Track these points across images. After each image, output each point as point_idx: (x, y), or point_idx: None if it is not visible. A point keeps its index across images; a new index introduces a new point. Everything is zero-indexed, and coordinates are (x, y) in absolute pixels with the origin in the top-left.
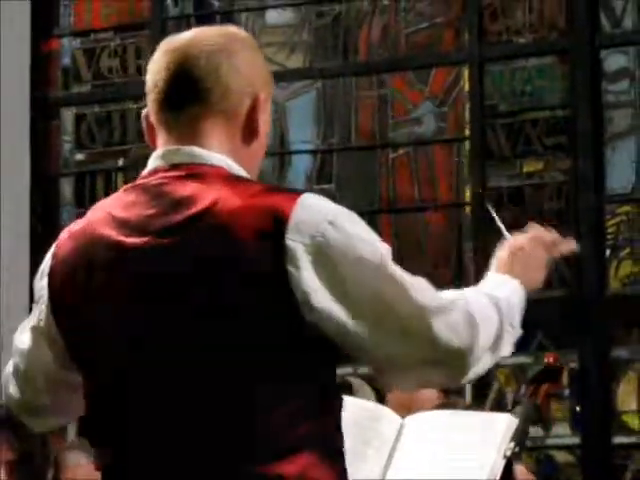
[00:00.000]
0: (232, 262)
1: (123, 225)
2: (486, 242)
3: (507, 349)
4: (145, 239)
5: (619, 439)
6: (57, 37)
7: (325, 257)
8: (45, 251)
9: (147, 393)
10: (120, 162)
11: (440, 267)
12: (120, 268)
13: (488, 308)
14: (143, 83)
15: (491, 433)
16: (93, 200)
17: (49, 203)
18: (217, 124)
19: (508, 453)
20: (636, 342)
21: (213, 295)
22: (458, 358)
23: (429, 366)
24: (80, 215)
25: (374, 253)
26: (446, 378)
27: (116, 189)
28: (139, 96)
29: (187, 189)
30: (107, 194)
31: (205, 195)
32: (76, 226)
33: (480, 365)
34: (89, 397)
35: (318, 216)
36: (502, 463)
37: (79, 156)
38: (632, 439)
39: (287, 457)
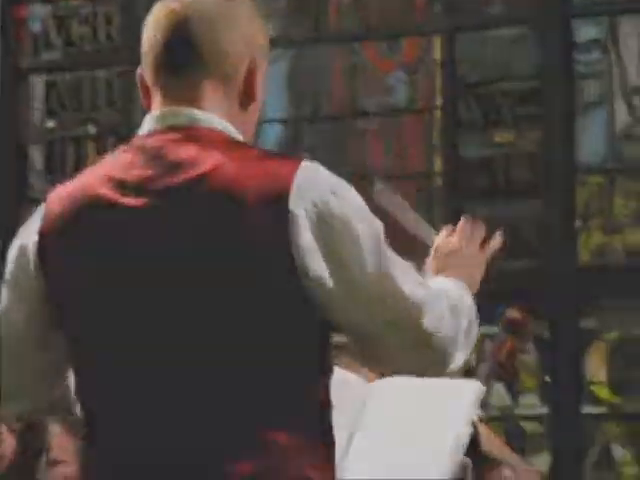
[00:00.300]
0: (233, 227)
1: (120, 185)
2: (457, 212)
3: (476, 337)
4: (143, 200)
5: (588, 409)
6: (27, 3)
7: (325, 225)
8: (15, 218)
9: (140, 360)
10: (91, 130)
11: None
12: (117, 229)
13: (462, 298)
14: (114, 50)
15: (458, 400)
16: (64, 168)
17: (19, 170)
18: (215, 88)
19: (475, 418)
20: (606, 313)
21: (213, 260)
22: (442, 347)
23: (413, 352)
24: (51, 183)
25: (370, 229)
26: (430, 365)
27: (87, 156)
28: (110, 63)
29: (186, 152)
30: (78, 161)
31: (204, 159)
32: (68, 187)
33: (461, 355)
34: (79, 364)
35: (321, 184)
36: (469, 430)
37: (49, 123)
38: (601, 409)
39: (275, 429)
